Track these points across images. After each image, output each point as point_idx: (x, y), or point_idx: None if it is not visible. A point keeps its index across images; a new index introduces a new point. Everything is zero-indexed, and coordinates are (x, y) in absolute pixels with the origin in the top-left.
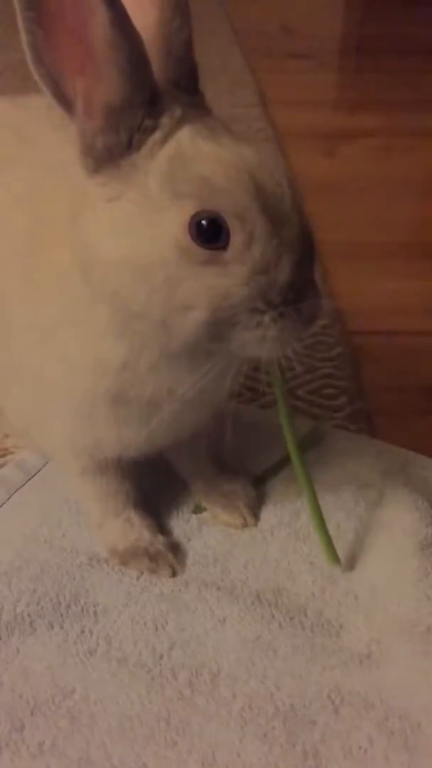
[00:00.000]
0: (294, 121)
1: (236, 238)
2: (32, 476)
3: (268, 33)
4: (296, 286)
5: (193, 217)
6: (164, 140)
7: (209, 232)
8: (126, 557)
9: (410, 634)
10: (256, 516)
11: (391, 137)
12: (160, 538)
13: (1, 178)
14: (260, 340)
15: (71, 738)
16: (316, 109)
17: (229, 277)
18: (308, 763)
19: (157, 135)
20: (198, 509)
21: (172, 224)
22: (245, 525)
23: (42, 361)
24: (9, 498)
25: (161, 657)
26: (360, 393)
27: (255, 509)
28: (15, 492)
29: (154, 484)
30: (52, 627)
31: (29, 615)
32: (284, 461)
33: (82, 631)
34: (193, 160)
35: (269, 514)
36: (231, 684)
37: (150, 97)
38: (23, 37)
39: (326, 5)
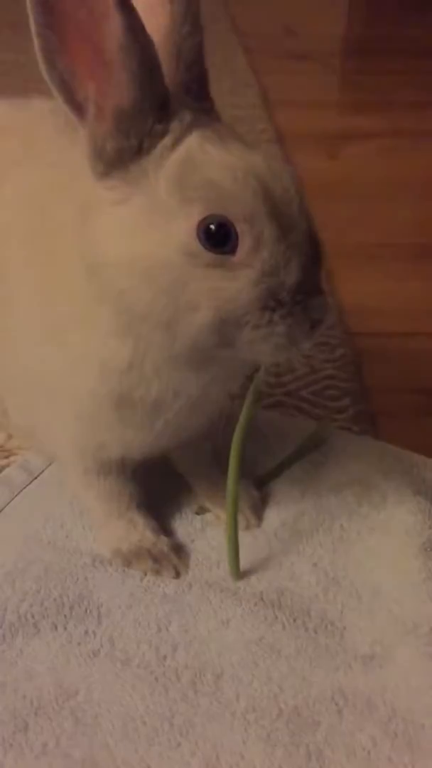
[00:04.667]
0: (297, 122)
1: (244, 242)
2: (36, 477)
3: (271, 34)
4: (304, 288)
5: (202, 221)
6: (174, 145)
7: (217, 237)
8: (129, 558)
9: (413, 636)
10: (259, 517)
11: (394, 138)
12: (164, 539)
13: (6, 181)
14: (269, 338)
15: (75, 739)
16: (319, 111)
17: (237, 281)
18: (311, 764)
19: (166, 140)
20: (201, 510)
21: (180, 228)
22: (248, 526)
23: (46, 362)
24: (12, 499)
25: (165, 658)
26: (363, 394)
27: (258, 510)
28: (19, 493)
29: (157, 486)
30: (55, 628)
31: (33, 616)
32: (287, 462)
33: (86, 632)
34: (202, 165)
35: (272, 515)
36: (234, 685)
37: (160, 101)
38: (35, 42)
39: (329, 7)
